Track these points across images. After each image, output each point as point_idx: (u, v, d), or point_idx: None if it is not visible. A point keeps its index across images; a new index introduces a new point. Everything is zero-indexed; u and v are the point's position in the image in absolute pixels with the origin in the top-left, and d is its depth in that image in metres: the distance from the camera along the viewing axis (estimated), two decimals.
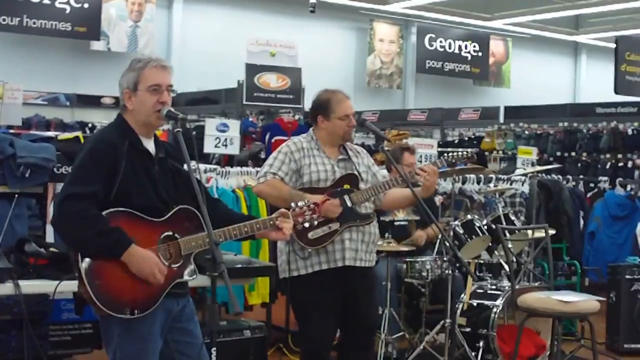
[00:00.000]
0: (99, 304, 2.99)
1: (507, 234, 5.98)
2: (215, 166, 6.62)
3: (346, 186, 4.28)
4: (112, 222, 3.01)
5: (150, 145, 3.25)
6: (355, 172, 4.35)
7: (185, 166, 3.28)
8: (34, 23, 15.48)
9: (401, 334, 5.99)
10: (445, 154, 4.48)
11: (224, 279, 2.88)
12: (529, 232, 5.92)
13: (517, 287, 5.71)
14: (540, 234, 6.03)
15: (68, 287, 3.76)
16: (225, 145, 6.61)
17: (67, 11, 15.82)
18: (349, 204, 4.20)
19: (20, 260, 4.02)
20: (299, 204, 3.45)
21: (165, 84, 3.20)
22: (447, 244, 4.96)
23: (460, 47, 21.43)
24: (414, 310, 6.50)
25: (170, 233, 3.15)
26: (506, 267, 5.98)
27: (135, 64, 3.22)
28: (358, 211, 4.27)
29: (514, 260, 5.63)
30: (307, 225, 3.46)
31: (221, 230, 3.20)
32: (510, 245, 5.96)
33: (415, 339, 5.98)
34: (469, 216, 6.07)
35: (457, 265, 5.95)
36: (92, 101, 16.18)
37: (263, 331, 4.79)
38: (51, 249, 4.10)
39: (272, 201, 4.33)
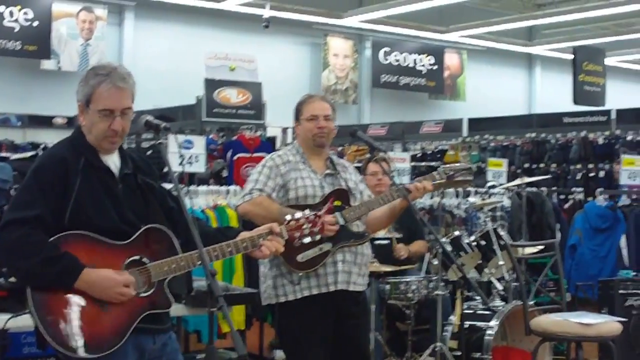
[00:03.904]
0: (54, 343, 2.62)
1: (498, 251, 5.72)
2: (180, 185, 6.19)
3: (337, 203, 3.90)
4: (65, 247, 2.67)
5: (112, 160, 2.89)
6: (345, 188, 4.02)
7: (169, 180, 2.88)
8: None
9: (386, 359, 5.69)
10: (443, 167, 4.20)
11: (223, 315, 2.54)
12: (524, 249, 5.65)
13: (512, 307, 5.47)
14: (531, 250, 5.81)
15: (24, 321, 3.28)
16: (190, 163, 6.19)
17: (16, 29, 15.70)
18: (341, 221, 3.83)
19: None
20: (296, 215, 2.95)
21: (119, 108, 2.81)
22: (452, 262, 4.60)
23: (415, 60, 21.41)
24: (392, 333, 6.22)
25: (137, 257, 2.78)
26: (498, 285, 5.69)
27: (91, 76, 2.84)
28: (351, 230, 3.94)
29: (524, 278, 5.30)
30: (306, 240, 2.95)
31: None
32: (501, 262, 5.70)
33: None
34: (456, 232, 5.82)
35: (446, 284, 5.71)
36: (44, 121, 16.00)
37: None
38: (11, 280, 3.75)
39: (259, 221, 3.90)
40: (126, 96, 2.85)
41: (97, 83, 2.81)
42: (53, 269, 2.63)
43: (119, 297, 2.68)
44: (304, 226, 2.94)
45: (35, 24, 15.77)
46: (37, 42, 15.84)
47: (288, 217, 2.95)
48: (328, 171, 4.06)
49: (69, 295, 2.66)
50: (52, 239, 2.68)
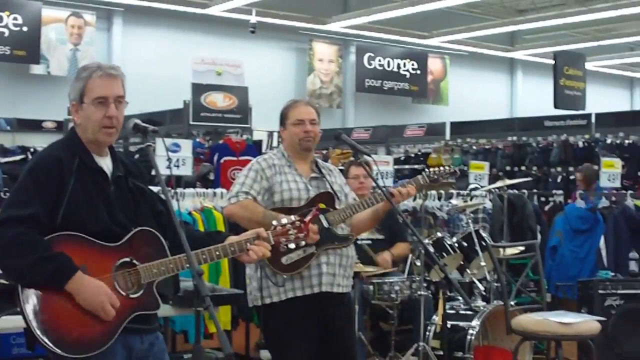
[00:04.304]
0: (45, 341, 2.63)
1: (479, 252, 5.80)
2: (168, 188, 6.24)
3: (322, 205, 3.95)
4: (58, 247, 2.67)
5: (105, 162, 2.90)
6: (331, 191, 4.05)
7: (156, 183, 2.92)
8: None
9: (370, 359, 5.76)
10: (427, 171, 4.21)
11: (210, 314, 2.55)
12: (505, 250, 5.72)
13: (493, 307, 5.55)
14: (512, 251, 5.88)
15: (13, 322, 3.36)
16: (177, 166, 6.23)
17: (6, 34, 15.79)
18: (325, 224, 3.88)
19: None
20: (282, 221, 2.98)
21: (112, 95, 2.84)
22: (435, 263, 4.67)
23: (398, 65, 21.53)
24: (376, 333, 6.28)
25: (128, 259, 2.79)
26: (480, 286, 5.78)
27: (81, 72, 2.87)
28: (335, 232, 3.97)
29: (505, 278, 5.36)
30: (292, 246, 2.99)
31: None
32: (483, 263, 5.79)
33: None
34: (438, 234, 5.88)
35: (428, 285, 5.78)
36: (33, 125, 16.03)
37: None
38: (0, 281, 3.66)
39: (245, 224, 3.96)
40: (117, 84, 2.87)
41: (88, 75, 2.84)
42: (47, 268, 2.62)
43: (101, 311, 2.68)
44: (290, 232, 2.97)
45: (25, 29, 15.86)
46: (27, 47, 15.92)
47: (275, 223, 2.98)
48: (313, 174, 4.08)
49: (61, 295, 2.65)
50: (44, 239, 2.67)
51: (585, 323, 4.87)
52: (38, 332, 2.64)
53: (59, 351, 2.64)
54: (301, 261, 3.85)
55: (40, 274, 2.63)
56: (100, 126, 2.83)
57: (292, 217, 3.01)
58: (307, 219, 3.02)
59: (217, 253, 2.90)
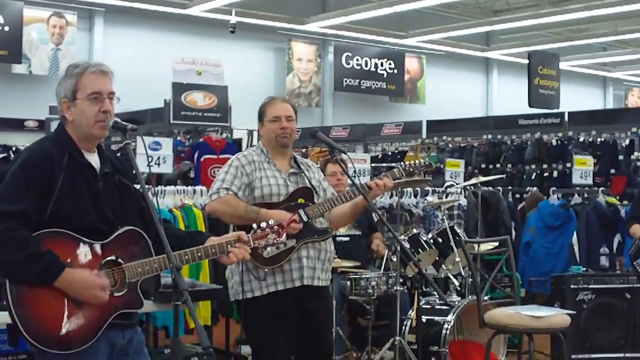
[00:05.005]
0: (30, 337, 2.66)
1: (454, 248, 5.89)
2: (147, 186, 6.28)
3: (300, 200, 4.04)
4: (44, 245, 2.68)
5: (93, 158, 2.93)
6: (310, 186, 4.13)
7: (138, 181, 2.97)
8: None
9: (347, 353, 5.84)
10: (403, 164, 4.28)
11: (188, 308, 2.59)
12: (479, 245, 5.82)
13: (468, 302, 5.66)
14: (486, 247, 5.97)
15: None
16: (158, 164, 6.29)
17: None
18: (304, 218, 3.95)
19: None
20: (262, 225, 3.10)
21: (106, 91, 2.89)
22: (410, 259, 4.75)
23: (376, 64, 21.62)
24: (354, 328, 6.36)
25: (114, 257, 2.83)
26: (455, 281, 5.88)
27: (72, 69, 2.90)
28: (315, 226, 4.04)
29: (479, 274, 5.47)
30: (270, 249, 3.15)
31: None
32: (458, 259, 5.88)
33: (362, 358, 5.79)
34: (414, 230, 5.95)
35: (405, 280, 5.88)
36: (15, 125, 16.02)
37: (212, 358, 4.52)
38: None
39: (227, 219, 4.06)
40: (109, 81, 2.92)
41: (81, 71, 2.87)
42: (36, 265, 2.63)
43: (95, 300, 2.72)
44: (269, 236, 3.09)
45: (7, 28, 15.80)
46: (8, 47, 15.86)
47: (254, 226, 3.10)
48: (292, 170, 4.15)
49: (47, 292, 2.67)
50: (35, 234, 2.68)
51: (555, 316, 4.95)
52: (22, 328, 2.66)
53: (41, 346, 2.67)
54: (282, 254, 3.92)
55: (30, 270, 2.64)
56: (95, 120, 2.86)
57: (271, 222, 3.13)
58: (286, 223, 3.18)
59: (199, 254, 2.97)
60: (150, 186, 6.04)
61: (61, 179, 2.77)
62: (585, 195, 8.37)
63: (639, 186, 9.58)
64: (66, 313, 2.70)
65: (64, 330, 2.69)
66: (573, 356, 6.24)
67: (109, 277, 2.80)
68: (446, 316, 5.61)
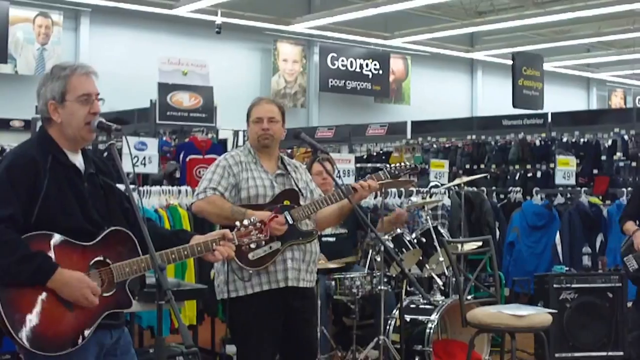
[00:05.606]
0: (20, 340, 2.66)
1: (438, 247, 5.93)
2: (132, 185, 6.30)
3: (286, 202, 4.06)
4: (32, 247, 2.69)
5: (77, 159, 2.94)
6: (295, 188, 4.15)
7: (122, 182, 2.99)
8: None
9: (332, 352, 5.86)
10: (388, 166, 4.31)
11: (171, 307, 2.61)
12: (462, 245, 5.86)
13: (451, 301, 5.70)
14: (469, 246, 6.01)
15: None
16: (144, 164, 6.30)
17: None
18: (290, 221, 3.96)
19: None
20: (245, 222, 3.14)
21: (94, 92, 2.92)
22: (393, 259, 4.78)
23: (361, 65, 21.64)
24: (339, 327, 6.40)
25: (101, 258, 2.84)
26: (438, 280, 5.92)
27: (59, 71, 2.90)
28: (300, 229, 4.06)
29: (462, 273, 5.51)
30: (253, 246, 3.18)
31: (159, 254, 2.85)
32: (441, 259, 5.92)
33: (347, 357, 5.83)
34: (398, 230, 5.98)
35: (389, 280, 5.92)
36: (1, 124, 15.93)
37: (197, 357, 4.54)
38: None
39: (213, 219, 4.08)
40: (95, 82, 2.95)
41: (69, 73, 2.88)
42: (29, 266, 2.65)
43: (85, 301, 2.73)
44: (252, 233, 3.13)
45: None
46: None
47: (237, 224, 3.13)
48: (279, 171, 4.17)
49: (37, 294, 2.68)
50: (22, 237, 2.69)
51: (537, 315, 4.98)
52: (11, 329, 2.66)
53: (31, 349, 2.68)
54: (267, 257, 3.94)
55: (22, 272, 2.65)
56: (84, 122, 2.87)
57: (253, 219, 3.17)
58: (267, 219, 3.23)
59: (185, 253, 2.99)
60: (135, 186, 6.09)
61: (46, 182, 2.78)
62: (568, 195, 8.43)
63: (622, 187, 9.64)
64: (56, 314, 2.71)
65: (54, 332, 2.70)
66: (557, 355, 6.30)
67: (97, 278, 2.81)
68: (430, 315, 5.66)
